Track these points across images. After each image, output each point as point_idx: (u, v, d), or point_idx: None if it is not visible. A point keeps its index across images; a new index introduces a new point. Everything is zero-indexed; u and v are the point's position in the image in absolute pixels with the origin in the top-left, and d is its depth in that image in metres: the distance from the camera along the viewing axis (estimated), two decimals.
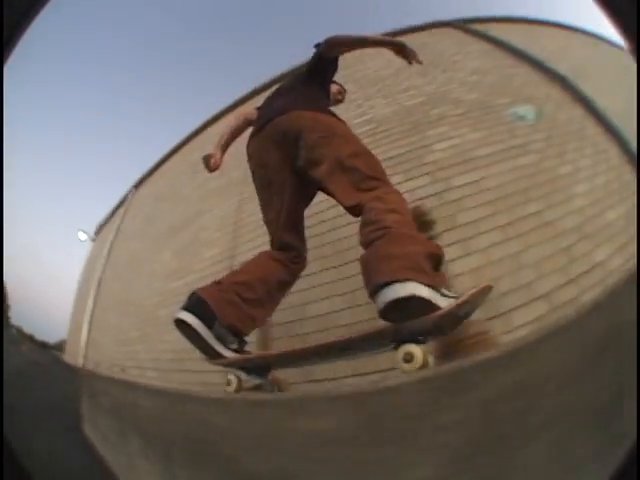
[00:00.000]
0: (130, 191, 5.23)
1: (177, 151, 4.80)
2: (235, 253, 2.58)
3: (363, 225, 1.08)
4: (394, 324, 0.91)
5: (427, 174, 2.29)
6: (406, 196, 1.20)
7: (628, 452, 0.54)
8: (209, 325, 1.15)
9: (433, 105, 2.84)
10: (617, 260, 1.97)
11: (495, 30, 4.24)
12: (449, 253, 1.86)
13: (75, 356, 4.39)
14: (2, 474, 0.62)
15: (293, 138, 1.25)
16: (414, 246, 0.95)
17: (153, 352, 3.20)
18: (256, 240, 2.43)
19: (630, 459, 0.54)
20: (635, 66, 0.63)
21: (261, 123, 1.38)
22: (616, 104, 3.65)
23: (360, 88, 3.36)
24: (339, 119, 1.34)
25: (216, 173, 1.57)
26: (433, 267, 0.95)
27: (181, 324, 1.17)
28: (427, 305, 0.86)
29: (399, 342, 0.88)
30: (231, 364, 1.20)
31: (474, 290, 0.93)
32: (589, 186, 2.39)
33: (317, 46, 1.44)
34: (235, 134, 1.61)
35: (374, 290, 0.92)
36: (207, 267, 2.85)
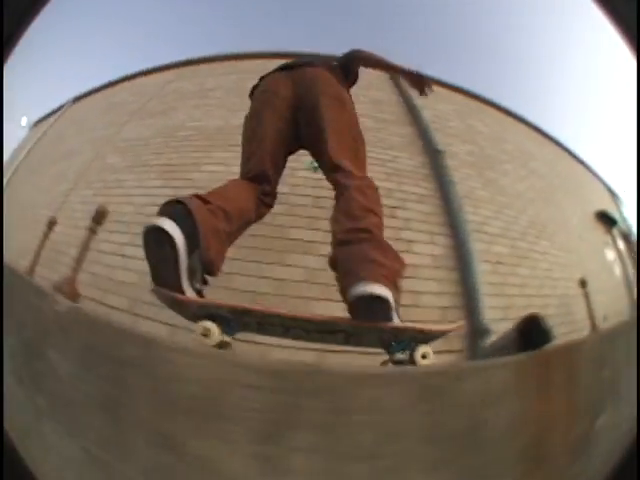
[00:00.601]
0: (68, 102, 5.62)
1: (114, 85, 5.13)
2: (66, 200, 3.21)
3: (340, 213, 1.06)
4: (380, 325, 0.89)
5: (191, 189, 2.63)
6: None
7: (628, 451, 0.55)
8: (190, 250, 0.88)
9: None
10: None
11: (435, 94, 4.30)
12: None
13: None
14: (2, 474, 0.60)
15: (310, 82, 1.25)
16: (394, 261, 0.97)
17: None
18: (77, 206, 3.00)
19: (630, 458, 0.55)
20: (635, 66, 0.63)
21: (287, 65, 1.36)
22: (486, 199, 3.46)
23: (227, 94, 3.64)
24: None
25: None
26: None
27: (156, 234, 0.84)
28: (389, 315, 0.88)
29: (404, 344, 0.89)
30: (195, 307, 0.89)
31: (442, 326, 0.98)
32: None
33: (347, 55, 1.49)
34: None
35: (351, 282, 0.90)
36: (52, 199, 3.48)
